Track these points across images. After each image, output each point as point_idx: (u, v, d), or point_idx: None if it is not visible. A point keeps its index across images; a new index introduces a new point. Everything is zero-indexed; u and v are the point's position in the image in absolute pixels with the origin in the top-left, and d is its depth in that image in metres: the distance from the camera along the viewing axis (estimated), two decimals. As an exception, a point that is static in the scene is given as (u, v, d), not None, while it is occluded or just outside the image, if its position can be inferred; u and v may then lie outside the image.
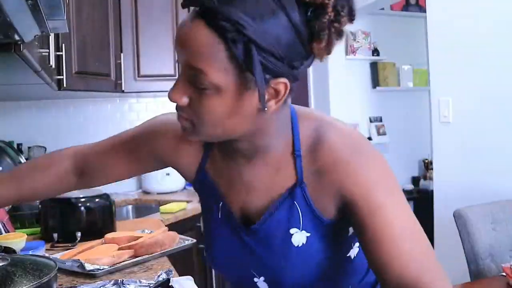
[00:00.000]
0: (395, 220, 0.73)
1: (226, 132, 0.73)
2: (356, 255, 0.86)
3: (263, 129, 0.75)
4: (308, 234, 0.78)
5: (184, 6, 0.67)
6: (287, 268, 0.79)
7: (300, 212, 0.78)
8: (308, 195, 0.77)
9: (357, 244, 0.84)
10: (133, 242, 1.36)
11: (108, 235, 1.44)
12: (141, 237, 1.41)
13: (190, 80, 0.69)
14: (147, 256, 1.34)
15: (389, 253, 0.71)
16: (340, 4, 0.66)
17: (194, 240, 1.43)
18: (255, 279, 0.84)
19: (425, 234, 0.79)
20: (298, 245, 0.78)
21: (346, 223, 0.79)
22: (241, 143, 0.77)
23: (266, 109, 0.69)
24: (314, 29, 0.66)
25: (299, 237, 0.78)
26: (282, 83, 0.68)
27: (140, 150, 1.01)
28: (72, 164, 1.06)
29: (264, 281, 0.83)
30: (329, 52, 0.70)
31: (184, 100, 0.71)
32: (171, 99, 0.72)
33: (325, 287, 0.84)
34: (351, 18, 0.69)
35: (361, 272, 0.89)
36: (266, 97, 0.68)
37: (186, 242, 1.44)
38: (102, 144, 1.13)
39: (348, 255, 0.85)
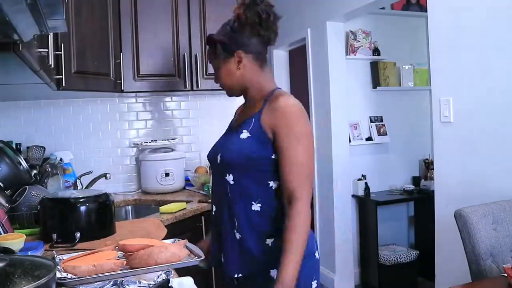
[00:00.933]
0: (293, 149, 1.33)
1: (235, 87, 1.48)
2: (273, 192, 1.39)
3: (251, 83, 1.46)
4: (249, 135, 1.38)
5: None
6: (230, 148, 1.40)
7: (252, 122, 1.39)
8: (261, 115, 1.39)
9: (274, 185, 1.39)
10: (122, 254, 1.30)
11: (121, 242, 1.36)
12: (155, 246, 1.32)
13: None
14: (140, 269, 1.25)
15: (286, 165, 1.33)
16: (245, 15, 1.49)
17: (202, 257, 1.35)
18: (217, 156, 1.43)
19: (310, 167, 1.37)
20: (242, 137, 1.39)
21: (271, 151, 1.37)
22: (246, 94, 1.50)
23: (239, 68, 1.45)
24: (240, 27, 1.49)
25: (245, 134, 1.39)
26: (240, 52, 1.44)
27: None
28: None
29: (219, 156, 1.43)
30: (260, 35, 1.51)
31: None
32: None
33: (237, 189, 1.39)
34: (256, 19, 1.50)
35: (264, 209, 1.38)
36: (236, 62, 1.45)
37: (194, 259, 1.35)
38: None
39: (268, 182, 1.38)
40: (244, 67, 1.44)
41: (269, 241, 1.37)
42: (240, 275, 1.39)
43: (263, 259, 1.37)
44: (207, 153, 1.55)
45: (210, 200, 1.77)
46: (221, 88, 1.50)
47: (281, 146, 1.34)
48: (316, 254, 1.44)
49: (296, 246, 1.28)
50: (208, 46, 1.51)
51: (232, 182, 1.39)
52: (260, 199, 1.37)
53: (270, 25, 1.49)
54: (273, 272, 1.35)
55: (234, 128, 1.48)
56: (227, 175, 1.40)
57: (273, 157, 1.36)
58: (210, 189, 2.54)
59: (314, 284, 1.41)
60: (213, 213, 1.49)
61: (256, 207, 1.37)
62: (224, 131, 1.58)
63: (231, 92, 1.51)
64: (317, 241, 1.47)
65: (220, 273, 1.48)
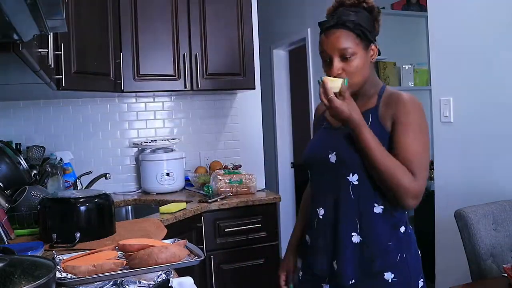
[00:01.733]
0: (415, 139, 1.29)
1: (361, 80, 1.35)
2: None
3: (369, 78, 1.37)
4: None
5: (325, 29, 1.36)
6: (350, 146, 1.32)
7: (370, 117, 1.34)
8: (379, 110, 1.35)
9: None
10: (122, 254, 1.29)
11: (121, 242, 1.35)
12: (155, 246, 1.31)
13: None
14: (140, 269, 1.24)
15: (405, 151, 1.28)
16: (377, 7, 1.38)
17: (202, 257, 1.32)
18: (329, 155, 1.36)
19: (427, 160, 1.32)
20: None
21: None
22: (359, 90, 1.37)
23: (372, 60, 1.38)
24: (374, 18, 1.38)
25: None
26: (374, 45, 1.38)
27: None
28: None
29: (335, 154, 1.35)
30: (378, 31, 1.42)
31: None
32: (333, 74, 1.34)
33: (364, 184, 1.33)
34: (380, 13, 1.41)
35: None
36: (371, 53, 1.37)
37: (194, 259, 1.35)
38: None
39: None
40: (373, 61, 1.38)
41: (390, 244, 1.33)
42: (353, 281, 1.32)
43: (380, 262, 1.32)
44: (305, 154, 1.46)
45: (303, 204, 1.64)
46: (344, 78, 1.30)
47: (399, 135, 1.29)
48: (419, 252, 1.44)
49: (388, 160, 1.25)
50: (340, 30, 1.31)
51: (356, 182, 1.32)
52: (382, 201, 1.33)
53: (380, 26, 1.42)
54: (388, 275, 1.32)
55: (341, 127, 1.36)
56: (350, 175, 1.32)
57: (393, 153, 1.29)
58: (210, 190, 2.55)
59: (421, 283, 1.43)
60: (321, 217, 1.39)
61: (378, 209, 1.33)
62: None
63: (354, 89, 1.33)
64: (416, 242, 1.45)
65: (331, 281, 1.37)
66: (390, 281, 1.31)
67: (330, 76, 1.31)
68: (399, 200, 1.28)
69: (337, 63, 1.32)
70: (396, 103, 1.31)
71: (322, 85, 1.28)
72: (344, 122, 1.28)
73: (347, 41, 1.31)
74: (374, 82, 1.41)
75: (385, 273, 1.31)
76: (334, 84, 1.28)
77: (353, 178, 1.33)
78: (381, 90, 1.39)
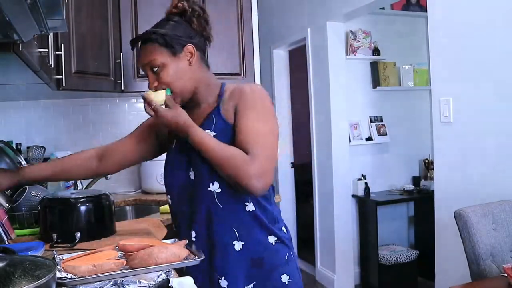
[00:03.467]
0: (254, 120, 1.26)
1: (187, 88, 1.32)
2: None
3: (200, 81, 1.34)
4: (215, 133, 1.28)
5: (133, 47, 1.37)
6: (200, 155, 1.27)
7: (214, 119, 1.31)
8: (220, 108, 1.31)
9: None
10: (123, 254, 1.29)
11: (121, 242, 1.34)
12: (155, 246, 1.29)
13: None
14: (140, 269, 1.21)
15: (243, 130, 1.25)
16: (190, 6, 1.36)
17: (202, 257, 1.28)
18: (189, 173, 1.33)
19: (270, 140, 1.28)
20: None
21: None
22: (193, 96, 1.34)
23: (190, 63, 1.31)
24: (187, 20, 1.36)
25: (211, 135, 1.27)
26: (190, 46, 1.32)
27: (143, 130, 1.51)
28: (95, 151, 1.52)
29: (192, 172, 1.32)
30: (202, 29, 1.38)
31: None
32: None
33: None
34: (202, 10, 1.38)
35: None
36: (186, 57, 1.31)
37: (194, 259, 1.34)
38: (120, 139, 1.54)
39: None
40: (195, 63, 1.32)
41: (272, 240, 1.32)
42: (251, 285, 1.31)
43: (271, 262, 1.31)
44: (166, 179, 1.40)
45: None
46: (167, 93, 1.29)
47: (241, 120, 1.26)
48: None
49: (220, 148, 1.22)
50: (145, 45, 1.30)
51: (219, 190, 1.28)
52: (251, 197, 1.29)
53: (209, 26, 1.39)
54: (284, 277, 1.31)
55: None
56: (210, 185, 1.28)
57: None
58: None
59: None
60: (194, 239, 1.33)
61: (250, 207, 1.30)
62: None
63: (182, 96, 1.31)
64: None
65: None
66: (286, 283, 1.31)
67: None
68: (245, 186, 1.21)
69: (151, 77, 1.30)
70: (238, 95, 1.29)
71: (144, 99, 1.26)
72: (173, 129, 1.26)
73: (151, 54, 1.28)
74: (210, 83, 1.36)
75: (281, 276, 1.31)
76: (158, 97, 1.26)
77: (215, 187, 1.28)
78: (221, 90, 1.35)
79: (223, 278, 1.30)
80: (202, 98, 1.36)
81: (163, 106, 1.26)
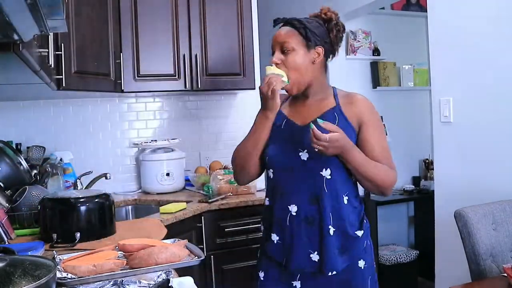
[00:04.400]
0: (381, 136, 1.49)
1: (302, 80, 1.47)
2: (355, 184, 1.50)
3: (316, 79, 1.50)
4: (340, 127, 1.37)
5: (275, 24, 1.52)
6: (347, 146, 1.37)
7: (337, 116, 1.46)
8: (341, 109, 1.47)
9: None
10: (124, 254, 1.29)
11: (121, 242, 1.35)
12: (155, 246, 1.31)
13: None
14: (140, 269, 1.23)
15: (379, 148, 1.46)
16: (336, 19, 1.51)
17: (202, 257, 1.31)
18: (300, 153, 1.45)
19: (389, 150, 1.51)
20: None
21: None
22: (308, 89, 1.50)
23: (314, 62, 1.47)
24: (329, 28, 1.50)
25: None
26: (320, 48, 1.47)
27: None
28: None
29: (306, 152, 1.43)
30: (335, 42, 1.52)
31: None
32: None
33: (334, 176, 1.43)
34: (343, 28, 1.54)
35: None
36: (314, 55, 1.47)
37: (194, 259, 1.32)
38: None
39: (351, 174, 1.46)
40: (317, 64, 1.48)
41: (359, 233, 1.47)
42: (334, 272, 1.43)
43: (353, 251, 1.46)
44: (272, 156, 1.48)
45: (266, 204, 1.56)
46: (284, 75, 1.43)
47: (370, 137, 1.45)
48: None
49: (375, 168, 1.41)
50: (286, 27, 1.48)
51: (329, 177, 1.42)
52: (348, 192, 1.46)
53: (341, 43, 1.55)
54: (361, 263, 1.47)
55: (310, 122, 1.40)
56: (323, 170, 1.42)
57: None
58: (210, 190, 2.55)
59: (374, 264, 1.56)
60: (294, 214, 1.44)
61: (345, 200, 1.45)
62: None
63: (298, 86, 1.47)
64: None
65: (304, 275, 1.47)
66: (362, 268, 1.48)
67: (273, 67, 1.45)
68: (384, 191, 1.46)
69: (278, 54, 1.46)
70: (359, 103, 1.47)
71: (313, 132, 1.33)
72: (338, 151, 1.36)
73: (288, 36, 1.44)
74: (324, 84, 1.54)
75: (358, 261, 1.47)
76: (277, 71, 1.42)
77: (326, 173, 1.42)
78: (334, 91, 1.53)
79: (315, 252, 1.43)
80: (314, 93, 1.51)
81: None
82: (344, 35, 1.57)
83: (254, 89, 2.87)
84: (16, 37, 1.00)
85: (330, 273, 1.42)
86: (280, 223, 1.47)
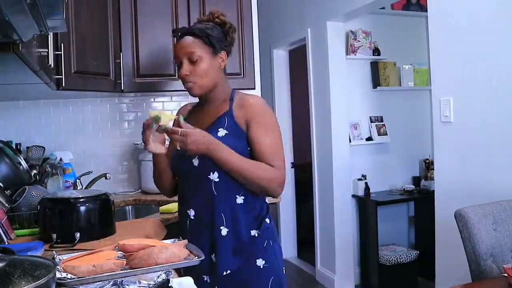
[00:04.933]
0: (268, 135, 1.48)
1: (208, 84, 1.54)
2: None
3: (219, 83, 1.57)
4: (227, 132, 1.48)
5: (175, 34, 1.58)
6: (212, 146, 1.41)
7: (226, 120, 1.50)
8: (233, 113, 1.51)
9: None
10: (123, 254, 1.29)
11: (121, 242, 1.34)
12: (155, 246, 1.30)
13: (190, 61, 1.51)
14: (140, 269, 1.22)
15: (264, 147, 1.47)
16: (228, 22, 1.59)
17: (202, 257, 1.31)
18: (193, 159, 1.49)
19: (283, 151, 1.53)
20: (220, 135, 1.47)
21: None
22: (209, 94, 1.57)
23: (220, 67, 1.56)
24: (225, 31, 1.58)
25: (222, 132, 1.48)
26: (223, 53, 1.56)
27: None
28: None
29: (197, 158, 1.48)
30: (231, 43, 1.61)
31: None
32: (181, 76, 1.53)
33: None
34: (234, 30, 1.62)
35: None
36: (219, 60, 1.55)
37: (194, 259, 1.34)
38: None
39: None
40: (222, 68, 1.57)
41: (254, 233, 1.51)
42: (229, 271, 1.49)
43: (249, 250, 1.49)
44: (173, 162, 1.60)
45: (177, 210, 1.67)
46: (189, 81, 1.51)
47: (256, 136, 1.47)
48: (280, 245, 1.62)
49: (248, 165, 1.43)
50: (189, 37, 1.52)
51: (217, 180, 1.48)
52: (243, 192, 1.49)
53: (234, 42, 1.64)
54: (259, 262, 1.50)
55: (204, 129, 1.49)
56: (211, 174, 1.48)
57: (248, 149, 1.49)
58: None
59: (283, 270, 1.57)
60: (192, 218, 1.53)
61: (240, 199, 1.50)
62: None
63: (201, 89, 1.53)
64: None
65: (208, 273, 1.53)
66: (261, 267, 1.49)
67: (180, 77, 1.53)
68: (269, 192, 1.48)
69: (186, 66, 1.50)
70: (248, 105, 1.50)
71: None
72: (203, 149, 1.39)
73: (194, 46, 1.49)
74: (225, 88, 1.60)
75: (256, 260, 1.49)
76: (167, 120, 1.41)
77: (214, 176, 1.48)
78: (231, 95, 1.57)
79: (213, 254, 1.50)
80: (214, 98, 1.58)
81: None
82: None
83: (254, 89, 2.87)
84: (15, 37, 1.00)
85: (224, 272, 1.48)
86: (183, 227, 1.57)
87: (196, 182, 1.52)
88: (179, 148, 1.38)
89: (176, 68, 1.57)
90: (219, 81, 1.57)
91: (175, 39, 1.59)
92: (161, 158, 1.60)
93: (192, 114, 1.66)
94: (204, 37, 1.50)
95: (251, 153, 1.49)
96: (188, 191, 1.56)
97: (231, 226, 1.48)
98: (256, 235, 1.50)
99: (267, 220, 1.55)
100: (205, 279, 1.54)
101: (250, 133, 1.48)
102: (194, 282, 1.24)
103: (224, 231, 1.48)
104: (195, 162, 1.50)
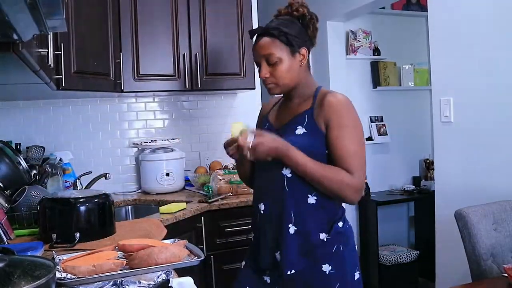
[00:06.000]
0: (350, 138, 1.40)
1: (290, 83, 1.47)
2: None
3: (301, 81, 1.49)
4: (305, 130, 1.43)
5: (252, 36, 1.49)
6: (286, 140, 1.39)
7: (306, 118, 1.44)
8: (313, 112, 1.44)
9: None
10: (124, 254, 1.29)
11: (121, 242, 1.35)
12: (155, 246, 1.30)
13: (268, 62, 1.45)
14: (140, 269, 1.23)
15: (342, 151, 1.39)
16: (309, 13, 1.48)
17: (202, 257, 1.31)
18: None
19: (363, 155, 1.43)
20: (298, 133, 1.43)
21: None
22: (292, 91, 1.51)
23: (301, 65, 1.47)
24: (305, 24, 1.48)
25: (300, 130, 1.43)
26: (304, 49, 1.47)
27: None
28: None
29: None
30: (314, 36, 1.51)
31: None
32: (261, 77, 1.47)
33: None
34: (316, 19, 1.51)
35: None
36: (299, 58, 1.46)
37: (194, 259, 1.31)
38: None
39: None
40: (304, 65, 1.48)
41: (323, 236, 1.42)
42: (293, 271, 1.42)
43: (317, 253, 1.42)
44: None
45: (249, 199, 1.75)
46: (269, 83, 1.46)
47: (335, 137, 1.39)
48: (356, 247, 1.53)
49: (322, 171, 1.36)
50: (266, 37, 1.44)
51: (289, 175, 1.42)
52: (316, 192, 1.41)
53: (317, 31, 1.53)
54: (325, 267, 1.41)
55: (280, 127, 1.49)
56: (284, 168, 1.42)
57: (326, 151, 1.41)
58: (210, 190, 2.54)
59: (357, 275, 1.48)
60: (262, 212, 1.48)
61: (312, 199, 1.42)
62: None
63: (282, 89, 1.48)
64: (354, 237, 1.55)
65: (272, 272, 1.49)
66: (327, 272, 1.41)
67: (260, 77, 1.48)
68: (343, 198, 1.40)
69: (264, 68, 1.45)
70: (327, 105, 1.41)
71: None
72: (273, 154, 1.37)
73: (271, 47, 1.42)
74: (309, 84, 1.51)
75: (322, 265, 1.41)
76: (237, 131, 1.41)
77: (287, 172, 1.42)
78: (316, 92, 1.49)
79: (278, 252, 1.44)
80: (297, 95, 1.51)
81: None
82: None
83: (254, 89, 2.87)
84: (15, 37, 1.00)
85: (288, 272, 1.42)
86: (254, 222, 1.54)
87: (269, 176, 1.47)
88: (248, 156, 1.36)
89: (256, 68, 1.51)
90: (301, 79, 1.48)
91: (253, 39, 1.51)
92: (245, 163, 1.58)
93: (275, 108, 1.60)
94: (282, 35, 1.42)
95: (329, 155, 1.41)
96: (262, 185, 1.51)
97: (300, 225, 1.41)
98: (325, 239, 1.42)
99: (340, 224, 1.47)
100: (265, 279, 1.50)
101: (328, 134, 1.40)
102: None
103: (292, 229, 1.41)
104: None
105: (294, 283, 1.43)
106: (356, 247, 1.54)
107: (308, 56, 1.49)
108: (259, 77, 1.48)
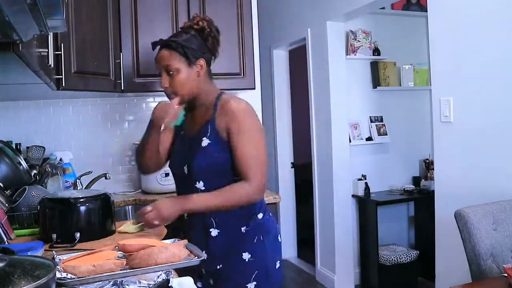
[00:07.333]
0: (248, 143, 1.51)
1: (189, 93, 1.57)
2: None
3: (202, 90, 1.59)
4: (209, 141, 1.53)
5: (154, 47, 1.60)
6: (196, 158, 1.54)
7: (209, 128, 1.54)
8: (215, 121, 1.55)
9: None
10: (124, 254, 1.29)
11: (121, 242, 1.34)
12: (155, 246, 1.30)
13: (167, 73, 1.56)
14: (140, 269, 1.22)
15: (240, 157, 1.51)
16: (208, 26, 1.58)
17: (202, 257, 1.32)
18: (184, 166, 1.59)
19: (262, 157, 1.54)
20: (203, 145, 1.54)
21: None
22: (193, 101, 1.60)
23: (199, 75, 1.57)
24: (204, 37, 1.59)
25: (205, 142, 1.54)
26: (201, 61, 1.57)
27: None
28: None
29: (186, 166, 1.58)
30: (213, 48, 1.62)
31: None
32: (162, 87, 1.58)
33: (212, 177, 1.55)
34: (217, 32, 1.62)
35: None
36: (197, 69, 1.57)
37: (194, 259, 1.31)
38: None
39: (234, 178, 1.54)
40: (202, 75, 1.58)
41: (243, 229, 1.57)
42: (220, 266, 1.57)
43: (238, 245, 1.56)
44: (170, 164, 1.70)
45: None
46: (169, 93, 1.57)
47: (235, 143, 1.51)
48: (279, 238, 1.67)
49: (222, 200, 1.50)
50: (165, 49, 1.56)
51: (203, 188, 1.55)
52: None
53: (219, 45, 1.64)
54: (245, 255, 1.56)
55: (191, 137, 1.61)
56: (197, 183, 1.56)
57: (231, 159, 1.54)
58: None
59: (277, 264, 1.62)
60: (186, 217, 1.60)
61: None
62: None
63: (182, 98, 1.57)
64: (278, 226, 1.70)
65: (199, 268, 1.57)
66: (247, 260, 1.55)
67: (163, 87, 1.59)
68: (250, 204, 1.55)
69: (164, 78, 1.56)
70: (229, 113, 1.52)
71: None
72: (177, 215, 1.54)
73: (170, 59, 1.54)
74: (210, 92, 1.61)
75: (243, 253, 1.55)
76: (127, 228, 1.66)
77: (200, 185, 1.56)
78: (216, 99, 1.59)
79: (204, 251, 1.50)
80: (200, 104, 1.62)
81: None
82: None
83: (254, 89, 2.87)
84: (15, 37, 1.00)
85: (217, 267, 1.57)
86: (180, 222, 1.62)
87: (186, 188, 1.59)
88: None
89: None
90: (200, 89, 1.59)
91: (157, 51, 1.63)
92: (156, 139, 1.65)
93: (184, 120, 1.69)
94: (179, 48, 1.53)
95: (234, 158, 1.53)
96: (180, 192, 1.65)
97: (221, 227, 1.56)
98: (244, 231, 1.57)
99: (260, 216, 1.60)
100: (202, 270, 1.61)
101: (230, 140, 1.52)
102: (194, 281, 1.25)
103: (214, 232, 1.56)
104: (185, 169, 1.58)
105: (217, 275, 1.58)
106: (279, 237, 1.66)
107: (208, 66, 1.60)
108: (160, 86, 1.59)
